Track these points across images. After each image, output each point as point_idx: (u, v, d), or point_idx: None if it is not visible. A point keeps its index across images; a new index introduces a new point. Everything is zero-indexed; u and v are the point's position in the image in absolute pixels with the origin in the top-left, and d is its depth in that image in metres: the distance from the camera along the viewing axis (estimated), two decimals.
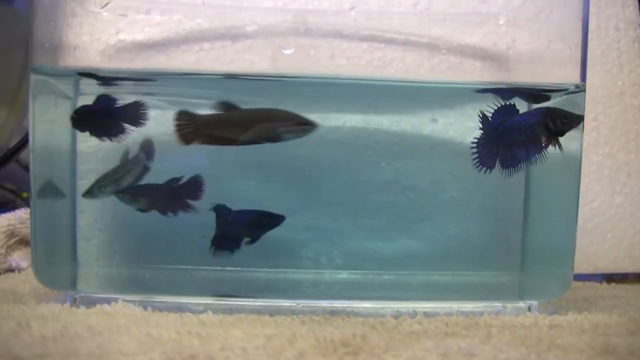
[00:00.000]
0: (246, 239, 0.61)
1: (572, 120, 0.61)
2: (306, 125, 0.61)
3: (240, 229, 0.61)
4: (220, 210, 0.61)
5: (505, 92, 0.62)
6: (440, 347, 0.45)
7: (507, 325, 0.56)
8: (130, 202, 0.62)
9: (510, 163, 0.61)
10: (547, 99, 0.63)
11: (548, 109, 0.61)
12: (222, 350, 0.43)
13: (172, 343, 0.45)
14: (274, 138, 0.61)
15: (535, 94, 0.63)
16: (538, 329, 0.54)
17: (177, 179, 0.62)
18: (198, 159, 0.64)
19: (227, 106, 0.61)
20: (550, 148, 0.61)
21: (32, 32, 0.60)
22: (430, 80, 0.66)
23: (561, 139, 0.61)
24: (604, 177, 0.87)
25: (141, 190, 0.62)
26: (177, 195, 0.62)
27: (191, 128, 0.61)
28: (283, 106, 0.62)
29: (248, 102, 0.62)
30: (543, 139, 0.60)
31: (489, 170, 0.61)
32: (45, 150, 0.61)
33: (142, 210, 0.62)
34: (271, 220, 0.61)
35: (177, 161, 0.64)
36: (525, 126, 0.61)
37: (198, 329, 0.48)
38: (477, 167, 0.60)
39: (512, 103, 0.61)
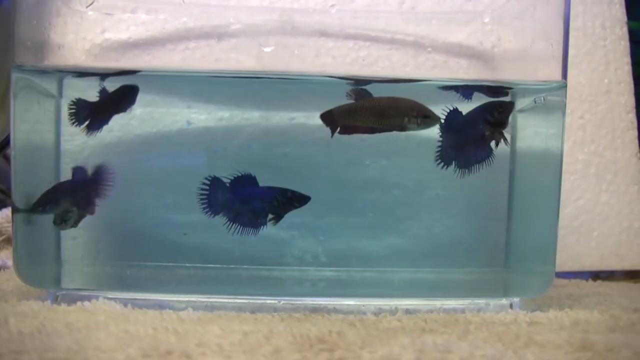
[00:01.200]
0: (270, 216, 0.60)
1: (506, 109, 0.61)
2: (427, 118, 0.60)
3: (265, 205, 0.60)
4: (246, 182, 0.60)
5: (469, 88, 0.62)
6: (416, 344, 0.45)
7: (486, 322, 0.56)
8: (48, 213, 0.61)
9: (468, 161, 0.61)
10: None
11: (484, 104, 0.62)
12: (198, 346, 0.43)
13: (148, 339, 0.45)
14: (401, 127, 0.60)
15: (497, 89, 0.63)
16: (517, 325, 0.54)
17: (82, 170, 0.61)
18: (184, 157, 0.64)
19: (361, 94, 0.61)
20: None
21: (15, 31, 0.60)
22: (415, 78, 0.66)
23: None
24: (590, 175, 0.88)
25: (50, 197, 0.61)
26: (86, 188, 0.61)
27: (329, 114, 0.61)
28: (270, 105, 0.63)
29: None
30: (487, 133, 0.61)
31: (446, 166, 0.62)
32: (27, 148, 0.61)
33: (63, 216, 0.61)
34: (298, 199, 0.60)
35: (163, 160, 0.64)
36: (470, 125, 0.61)
37: (176, 325, 0.48)
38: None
39: (455, 107, 0.61)
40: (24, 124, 0.61)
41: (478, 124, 0.61)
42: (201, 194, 0.60)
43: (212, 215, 0.60)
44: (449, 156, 0.61)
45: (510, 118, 0.62)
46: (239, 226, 0.60)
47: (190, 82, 0.64)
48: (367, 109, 0.61)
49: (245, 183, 0.60)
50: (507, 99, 0.62)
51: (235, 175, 0.60)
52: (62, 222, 0.61)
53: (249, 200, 0.60)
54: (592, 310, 0.61)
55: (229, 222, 0.60)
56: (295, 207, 0.60)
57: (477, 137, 0.61)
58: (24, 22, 0.61)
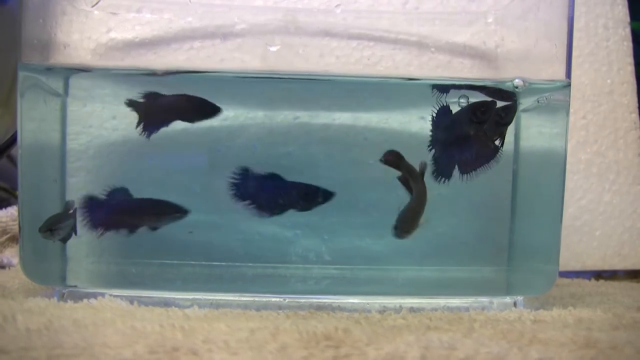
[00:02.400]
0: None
1: (488, 107, 0.62)
2: None
3: (291, 198, 0.62)
4: (273, 178, 0.61)
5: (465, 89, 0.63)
6: (421, 341, 0.46)
7: (490, 320, 0.56)
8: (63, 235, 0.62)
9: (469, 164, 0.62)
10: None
11: (470, 104, 0.62)
12: (205, 343, 0.44)
13: (155, 336, 0.45)
14: None
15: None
16: (521, 323, 0.55)
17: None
18: (188, 156, 0.64)
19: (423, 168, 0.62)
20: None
21: (21, 30, 0.60)
22: (419, 78, 0.67)
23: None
24: (592, 175, 0.88)
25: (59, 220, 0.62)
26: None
27: (394, 159, 0.62)
28: (274, 104, 0.63)
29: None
30: (473, 133, 0.61)
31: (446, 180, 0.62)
32: (34, 147, 0.62)
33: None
34: (323, 194, 0.62)
35: (168, 159, 0.64)
36: (458, 125, 0.62)
37: (182, 322, 0.49)
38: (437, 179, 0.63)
39: (447, 104, 0.62)
40: (31, 122, 0.61)
41: (464, 124, 0.62)
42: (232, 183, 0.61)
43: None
44: (450, 165, 0.62)
45: (508, 117, 0.62)
46: (256, 208, 0.61)
47: (195, 82, 0.64)
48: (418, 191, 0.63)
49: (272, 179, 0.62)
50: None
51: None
52: (48, 231, 0.61)
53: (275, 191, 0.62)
54: (595, 308, 0.61)
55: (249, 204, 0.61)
56: (320, 203, 0.62)
57: (466, 138, 0.62)
58: (30, 21, 0.61)
